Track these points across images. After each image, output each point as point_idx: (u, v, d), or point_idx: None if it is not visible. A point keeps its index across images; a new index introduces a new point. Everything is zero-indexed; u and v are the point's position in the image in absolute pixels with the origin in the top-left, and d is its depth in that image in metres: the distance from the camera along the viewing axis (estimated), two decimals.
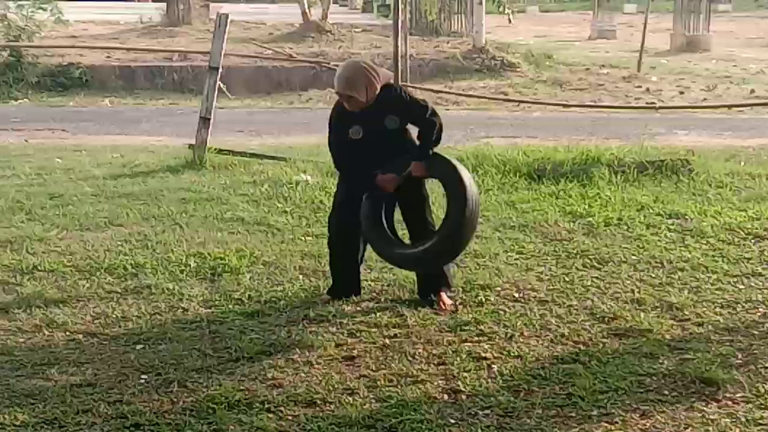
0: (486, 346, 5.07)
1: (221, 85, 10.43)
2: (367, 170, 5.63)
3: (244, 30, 25.45)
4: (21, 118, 14.71)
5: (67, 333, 5.26)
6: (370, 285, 6.06)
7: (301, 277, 6.26)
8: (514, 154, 10.07)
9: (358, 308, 5.67)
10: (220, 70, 10.41)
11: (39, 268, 6.38)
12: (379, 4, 32.44)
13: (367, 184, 5.68)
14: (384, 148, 5.64)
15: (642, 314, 5.57)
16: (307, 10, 26.01)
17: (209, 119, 10.24)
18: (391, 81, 5.85)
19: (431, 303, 5.73)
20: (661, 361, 4.89)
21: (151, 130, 13.64)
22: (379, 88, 5.57)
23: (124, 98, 18.00)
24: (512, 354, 4.97)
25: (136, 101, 17.53)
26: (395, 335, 5.24)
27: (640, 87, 19.41)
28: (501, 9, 10.17)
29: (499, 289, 6.03)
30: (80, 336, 5.22)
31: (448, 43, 23.91)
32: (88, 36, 24.42)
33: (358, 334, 5.25)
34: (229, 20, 10.58)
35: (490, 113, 16.14)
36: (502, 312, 5.60)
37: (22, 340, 5.16)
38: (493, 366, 4.82)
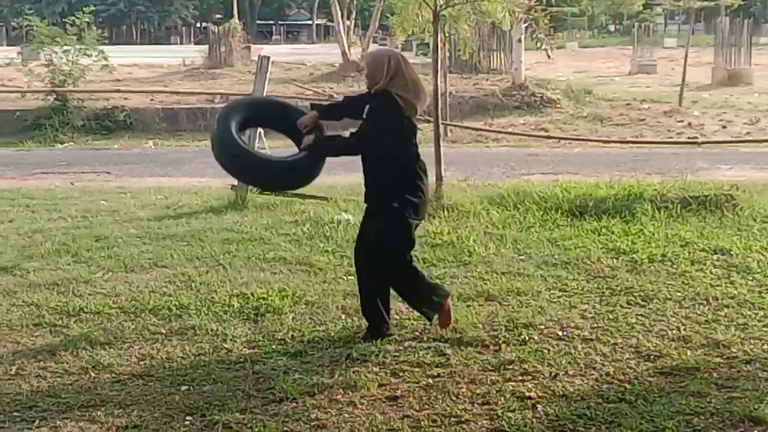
0: (530, 386, 5.03)
1: (261, 131, 10.53)
2: None
3: (285, 71, 25.77)
4: (67, 161, 14.98)
5: (113, 375, 5.29)
6: (412, 324, 6.05)
7: (343, 316, 6.26)
8: (556, 191, 10.05)
9: (401, 347, 5.65)
10: None
11: (85, 309, 6.44)
12: (419, 42, 32.67)
13: None
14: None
15: (688, 352, 5.50)
16: (347, 50, 26.27)
17: None
18: (407, 104, 5.61)
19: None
20: (708, 399, 4.82)
21: (194, 171, 13.81)
22: (377, 84, 5.58)
23: (168, 140, 18.27)
24: (557, 393, 4.92)
25: (179, 143, 17.77)
26: (438, 375, 5.21)
27: (681, 121, 19.32)
28: (539, 45, 10.19)
29: (542, 327, 5.99)
30: (126, 377, 5.25)
31: (487, 80, 24.04)
32: (132, 79, 24.89)
33: (401, 374, 5.22)
34: (270, 62, 10.72)
35: (530, 150, 16.14)
36: (545, 350, 5.56)
37: (68, 382, 5.20)
38: (537, 406, 4.77)
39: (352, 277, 7.05)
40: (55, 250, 8.17)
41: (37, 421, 4.66)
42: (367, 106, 5.69)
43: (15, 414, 4.75)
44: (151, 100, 20.64)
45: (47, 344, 5.79)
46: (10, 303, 6.61)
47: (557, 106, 21.10)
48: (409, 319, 6.13)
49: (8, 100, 19.87)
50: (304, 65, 29.47)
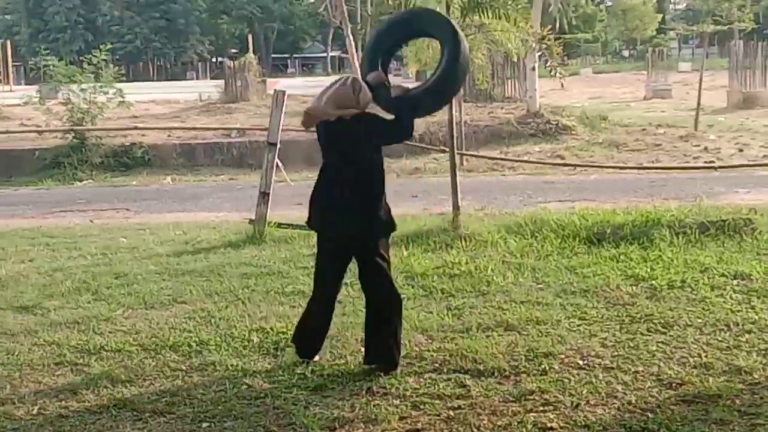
0: (552, 416, 5.01)
1: (279, 163, 10.60)
2: None
3: (300, 104, 25.81)
4: (86, 199, 15.09)
5: (135, 413, 5.30)
6: (432, 356, 6.04)
7: (362, 349, 6.25)
8: (573, 219, 10.04)
9: (421, 380, 5.64)
10: (279, 145, 10.60)
11: (106, 347, 6.47)
12: (433, 71, 32.84)
13: None
14: None
15: (710, 379, 5.46)
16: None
17: (269, 194, 10.41)
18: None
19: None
20: (731, 426, 4.79)
21: (212, 206, 13.89)
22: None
23: (185, 175, 18.37)
24: (579, 423, 4.90)
25: (197, 178, 17.87)
26: (459, 407, 5.20)
27: (698, 146, 19.29)
28: (553, 73, 10.23)
29: (562, 356, 5.97)
30: (147, 415, 5.26)
31: (502, 108, 24.09)
32: (149, 116, 25.06)
33: (421, 407, 5.21)
34: (285, 96, 10.80)
35: (546, 177, 16.14)
36: (566, 380, 5.54)
37: (91, 421, 5.21)
38: None
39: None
40: (76, 288, 8.22)
41: None
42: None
43: None
44: (168, 135, 20.79)
45: (69, 383, 5.81)
46: (32, 342, 6.65)
47: (572, 132, 21.11)
48: (428, 350, 6.14)
49: (27, 139, 20.07)
50: None
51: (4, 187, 17.63)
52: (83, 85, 20.16)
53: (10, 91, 37.31)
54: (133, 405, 5.41)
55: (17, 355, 6.37)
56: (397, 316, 5.91)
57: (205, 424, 5.10)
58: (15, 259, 9.75)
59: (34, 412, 5.34)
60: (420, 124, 20.99)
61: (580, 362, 5.86)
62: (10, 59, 48.29)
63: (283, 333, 6.59)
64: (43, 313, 7.44)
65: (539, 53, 10.25)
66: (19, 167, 18.93)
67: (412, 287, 7.89)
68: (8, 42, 50.77)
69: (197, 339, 6.59)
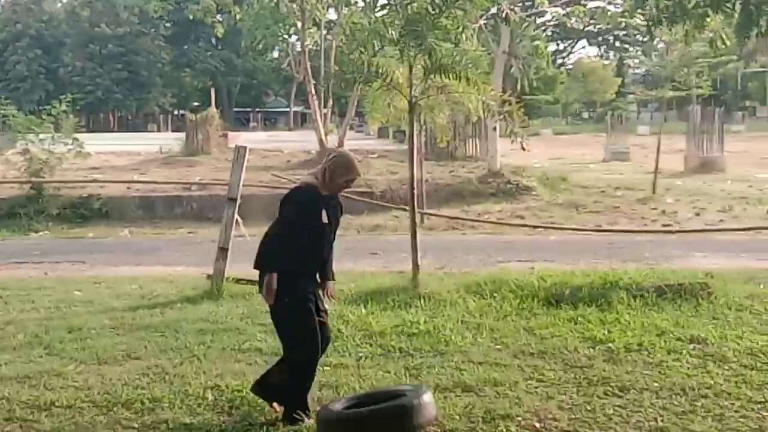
0: None
1: (239, 219, 10.56)
2: (308, 264, 5.99)
3: (262, 158, 25.90)
4: (41, 251, 14.89)
5: None
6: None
7: (319, 408, 6.17)
8: (532, 279, 10.07)
9: None
10: (239, 200, 10.56)
11: (57, 403, 6.33)
12: (395, 129, 33.02)
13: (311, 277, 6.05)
14: (328, 241, 6.08)
15: None
16: (323, 137, 26.51)
17: (227, 249, 10.35)
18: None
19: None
20: None
21: (170, 259, 13.76)
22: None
23: (144, 228, 18.23)
24: None
25: (156, 231, 17.74)
26: None
27: (655, 209, 19.52)
28: (514, 139, 10.31)
29: (519, 418, 5.93)
30: None
31: (463, 167, 24.27)
32: (109, 167, 24.93)
33: None
34: (247, 151, 10.79)
35: (506, 237, 16.22)
36: None
37: None
38: None
39: (328, 368, 7.01)
40: (28, 342, 8.08)
41: None
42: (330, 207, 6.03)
43: None
44: (128, 188, 20.66)
45: None
46: None
47: (533, 193, 21.29)
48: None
49: None
50: (282, 152, 29.68)
51: None
52: (41, 136, 20.03)
53: None
54: None
55: None
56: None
57: None
58: None
59: None
60: (381, 182, 21.08)
61: (537, 425, 5.83)
62: None
63: (239, 391, 6.50)
64: None
65: (500, 117, 10.30)
66: None
67: (371, 345, 7.83)
68: None
69: (150, 396, 6.47)
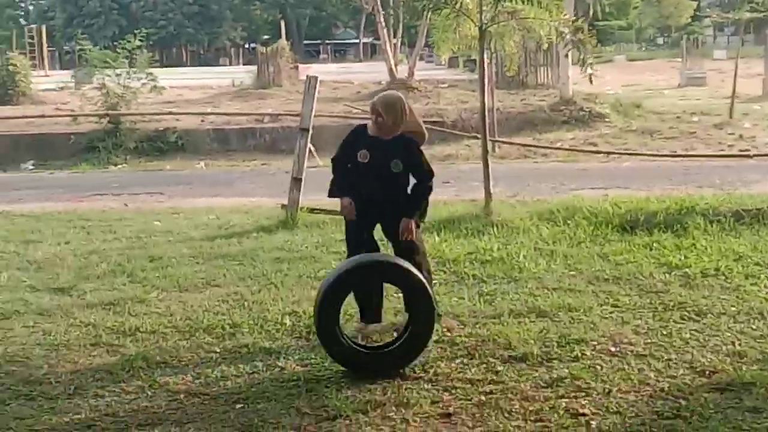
0: (583, 402, 5.01)
1: (311, 148, 10.64)
2: (359, 195, 6.17)
3: (332, 89, 25.92)
4: (120, 183, 15.23)
5: (169, 393, 5.36)
6: (463, 341, 6.06)
7: (395, 333, 6.27)
8: (606, 206, 10.01)
9: (453, 365, 5.66)
10: (310, 131, 10.63)
11: (141, 329, 6.54)
12: (465, 59, 32.68)
13: (359, 209, 6.19)
14: (380, 181, 6.18)
15: (744, 367, 5.44)
16: (393, 68, 26.39)
17: (301, 179, 10.45)
18: (419, 135, 6.33)
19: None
20: (765, 415, 4.76)
21: (245, 190, 13.96)
22: (402, 127, 6.14)
23: (218, 160, 18.46)
24: (611, 410, 4.90)
25: (230, 163, 17.96)
26: (491, 391, 5.21)
27: (732, 134, 19.11)
28: (584, 67, 10.09)
29: (594, 343, 5.96)
30: (182, 396, 5.32)
31: (534, 95, 23.96)
32: (182, 101, 25.21)
33: (453, 391, 5.23)
34: (318, 82, 10.83)
35: (579, 165, 16.07)
36: (598, 367, 5.53)
37: (126, 400, 5.28)
38: (591, 422, 4.75)
39: (401, 295, 7.07)
40: (111, 271, 8.32)
41: None
42: (396, 158, 6.18)
43: None
44: (202, 121, 20.89)
45: (104, 363, 5.89)
46: (68, 323, 6.74)
47: (606, 120, 20.97)
48: (460, 336, 6.16)
49: (63, 124, 20.22)
50: (352, 84, 29.64)
51: (39, 170, 17.82)
52: (117, 71, 20.30)
53: (45, 75, 37.63)
54: (167, 386, 5.47)
55: (54, 336, 6.46)
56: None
57: (238, 406, 5.15)
58: (51, 241, 9.86)
59: (71, 391, 5.42)
60: (452, 111, 20.98)
61: (613, 349, 5.84)
62: (45, 44, 48.73)
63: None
64: (80, 294, 7.54)
65: (572, 45, 10.11)
66: (55, 151, 19.09)
67: (444, 272, 7.91)
68: (43, 27, 51.28)
69: (230, 322, 6.64)
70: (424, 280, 5.75)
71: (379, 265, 5.96)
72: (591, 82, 10.06)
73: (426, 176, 6.31)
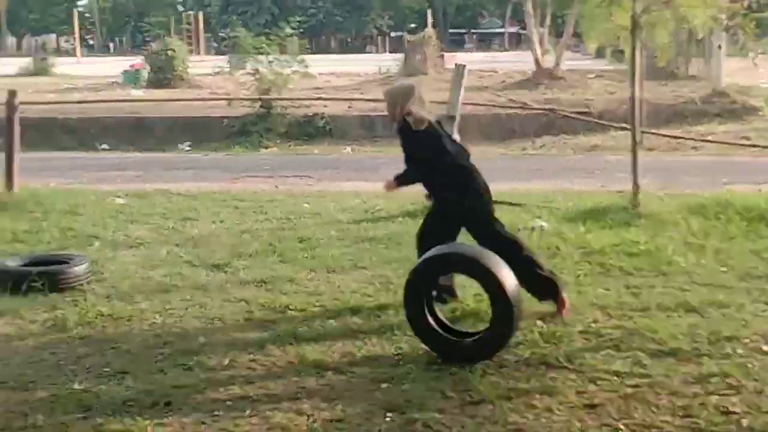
0: (734, 400, 4.91)
1: (457, 137, 10.65)
2: None
3: (478, 78, 25.82)
4: (270, 166, 15.65)
5: (318, 370, 5.53)
6: (609, 333, 6.02)
7: (539, 322, 6.29)
8: (759, 201, 9.71)
9: (598, 356, 5.63)
10: (458, 119, 10.66)
11: (291, 307, 6.76)
12: (613, 49, 32.01)
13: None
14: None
15: None
16: (539, 58, 26.11)
17: None
18: (414, 113, 6.66)
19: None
20: None
21: (391, 176, 14.06)
22: (400, 111, 6.63)
23: (364, 146, 18.70)
24: (763, 409, 4.78)
25: (376, 149, 18.16)
26: (637, 385, 5.16)
27: None
28: (745, 52, 9.78)
29: (746, 340, 5.82)
30: (329, 373, 5.48)
31: (685, 87, 23.30)
32: (330, 87, 25.60)
33: (598, 382, 5.21)
34: (466, 70, 10.84)
35: (731, 159, 15.58)
36: (750, 365, 5.40)
37: (276, 374, 5.48)
38: (743, 421, 4.65)
39: None
40: (263, 250, 8.60)
41: (248, 411, 4.94)
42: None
43: (228, 403, 5.06)
44: (349, 107, 21.18)
45: (257, 338, 6.12)
46: (223, 299, 7.03)
47: (760, 113, 20.21)
48: (606, 327, 6.12)
49: (217, 108, 20.89)
50: (497, 72, 29.47)
51: (195, 152, 18.47)
52: (270, 57, 20.81)
53: (202, 61, 38.84)
54: (316, 362, 5.64)
55: (210, 310, 6.76)
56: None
57: (384, 385, 5.27)
58: (207, 219, 10.27)
59: (226, 363, 5.66)
60: (599, 101, 20.64)
61: (765, 348, 5.70)
62: (201, 30, 50.34)
63: (461, 302, 6.68)
64: (233, 271, 7.85)
65: (731, 32, 9.80)
66: (209, 134, 19.73)
67: (589, 263, 7.85)
68: (200, 14, 52.97)
69: (377, 303, 6.78)
70: (502, 281, 5.72)
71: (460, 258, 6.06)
72: (755, 64, 9.70)
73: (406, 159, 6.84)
